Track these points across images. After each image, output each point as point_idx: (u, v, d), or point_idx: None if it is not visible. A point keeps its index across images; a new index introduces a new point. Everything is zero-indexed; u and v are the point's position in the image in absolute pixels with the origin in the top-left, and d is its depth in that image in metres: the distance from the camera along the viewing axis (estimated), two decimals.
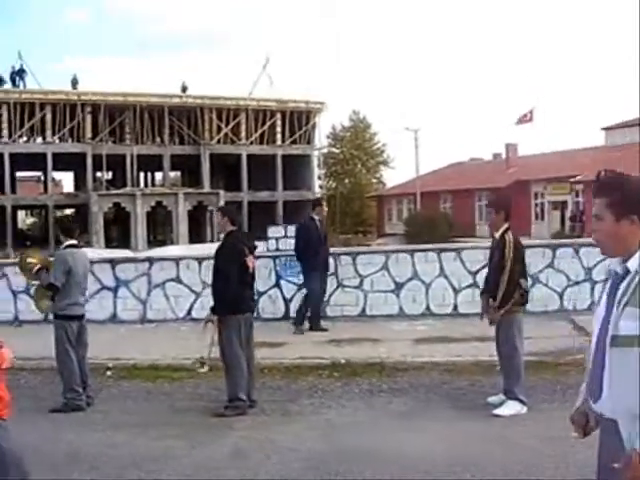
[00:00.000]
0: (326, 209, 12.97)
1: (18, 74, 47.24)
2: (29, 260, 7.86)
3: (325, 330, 11.34)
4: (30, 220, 71.01)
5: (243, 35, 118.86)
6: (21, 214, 64.00)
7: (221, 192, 47.94)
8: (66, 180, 66.74)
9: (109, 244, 45.70)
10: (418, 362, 8.93)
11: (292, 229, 13.90)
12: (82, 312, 8.08)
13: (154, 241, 48.05)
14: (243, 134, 51.65)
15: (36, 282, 8.02)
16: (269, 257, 13.45)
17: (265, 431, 6.68)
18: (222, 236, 7.71)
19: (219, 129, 51.13)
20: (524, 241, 8.03)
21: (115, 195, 46.15)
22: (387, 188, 64.62)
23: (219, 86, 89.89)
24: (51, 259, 8.03)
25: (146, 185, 56.53)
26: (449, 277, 12.37)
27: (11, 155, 46.52)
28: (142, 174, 56.94)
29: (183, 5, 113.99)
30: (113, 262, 13.56)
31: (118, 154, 49.15)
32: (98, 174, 54.46)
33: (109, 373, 9.43)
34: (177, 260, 13.35)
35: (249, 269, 7.38)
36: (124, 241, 47.81)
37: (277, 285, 12.86)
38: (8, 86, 47.99)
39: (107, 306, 13.29)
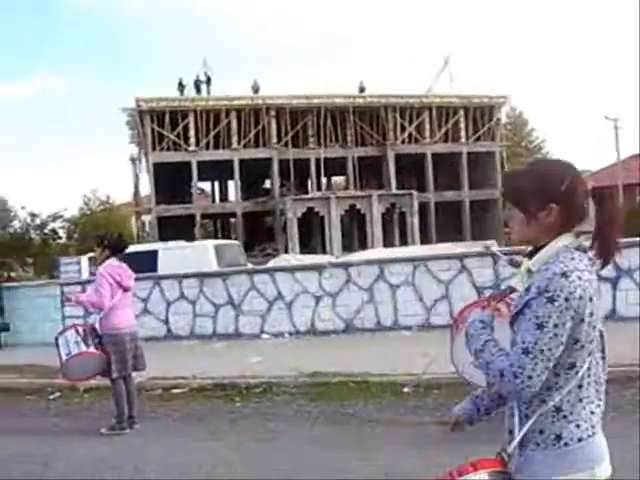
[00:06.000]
0: None
1: (205, 82, 46.58)
2: None
3: None
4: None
5: (417, 30, 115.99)
6: None
7: (414, 193, 45.79)
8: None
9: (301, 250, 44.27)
10: None
11: None
12: None
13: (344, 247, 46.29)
14: (427, 133, 49.43)
15: None
16: None
17: None
18: None
19: (403, 128, 49.08)
20: None
21: (309, 200, 44.63)
22: None
23: (393, 84, 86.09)
24: None
25: (319, 189, 54.92)
26: None
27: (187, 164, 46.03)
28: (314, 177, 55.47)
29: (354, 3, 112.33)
30: None
31: (302, 158, 47.75)
32: (267, 181, 53.59)
33: None
34: None
35: None
36: (314, 247, 46.29)
37: None
38: (192, 93, 47.44)
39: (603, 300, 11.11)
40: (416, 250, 25.70)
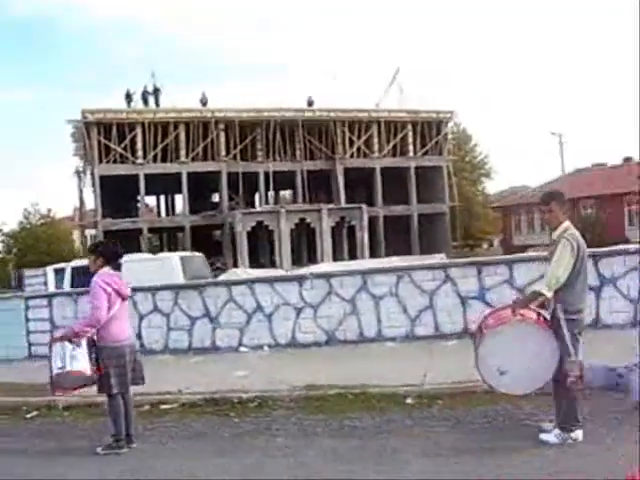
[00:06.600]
0: None
1: (153, 93, 45.84)
2: None
3: None
4: None
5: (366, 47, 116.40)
6: None
7: (364, 207, 45.90)
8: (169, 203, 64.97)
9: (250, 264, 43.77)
10: None
11: None
12: None
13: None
14: (376, 147, 49.71)
15: None
16: None
17: None
18: None
19: (351, 142, 49.24)
20: None
21: (258, 213, 44.28)
22: (513, 197, 62.15)
23: (341, 99, 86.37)
24: None
25: (267, 203, 54.65)
26: None
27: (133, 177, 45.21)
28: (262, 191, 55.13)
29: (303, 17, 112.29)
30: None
31: (251, 172, 47.40)
32: (215, 195, 53.07)
33: None
34: None
35: None
36: (263, 261, 45.88)
37: None
38: (140, 105, 46.66)
39: None
40: (365, 264, 25.57)
